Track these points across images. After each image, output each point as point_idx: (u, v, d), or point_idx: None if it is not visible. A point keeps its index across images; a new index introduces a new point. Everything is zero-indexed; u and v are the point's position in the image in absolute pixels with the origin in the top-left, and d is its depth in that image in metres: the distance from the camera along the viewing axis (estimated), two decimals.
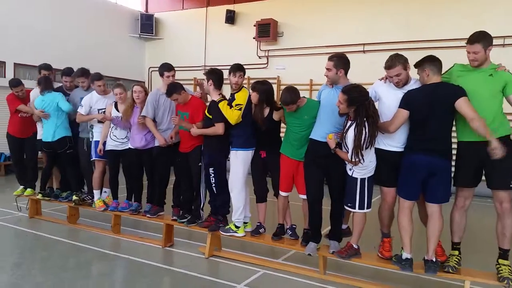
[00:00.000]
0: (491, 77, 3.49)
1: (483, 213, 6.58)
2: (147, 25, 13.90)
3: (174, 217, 4.91)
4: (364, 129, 3.54)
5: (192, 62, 12.97)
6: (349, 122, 3.64)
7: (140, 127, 4.98)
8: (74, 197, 5.70)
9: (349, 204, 3.84)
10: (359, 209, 3.79)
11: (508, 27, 8.87)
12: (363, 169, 3.71)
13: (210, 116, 4.45)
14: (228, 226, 4.51)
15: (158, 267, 4.31)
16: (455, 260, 3.66)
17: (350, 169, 3.77)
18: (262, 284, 3.93)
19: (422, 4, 10.18)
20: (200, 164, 4.67)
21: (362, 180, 3.75)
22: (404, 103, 3.59)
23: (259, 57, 12.28)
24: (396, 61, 3.65)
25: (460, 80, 3.60)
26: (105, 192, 5.60)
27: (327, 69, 3.94)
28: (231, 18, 12.69)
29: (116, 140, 5.25)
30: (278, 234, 4.38)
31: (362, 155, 3.58)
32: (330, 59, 3.96)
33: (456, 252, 3.71)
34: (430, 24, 10.03)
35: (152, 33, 13.97)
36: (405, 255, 3.66)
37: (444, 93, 3.48)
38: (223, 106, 4.32)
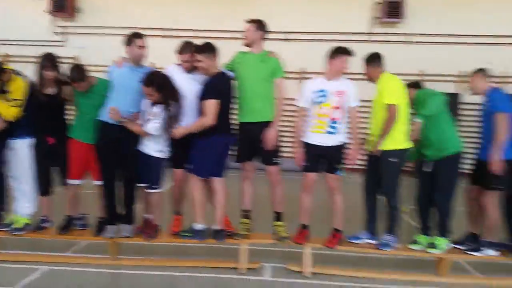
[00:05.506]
0: (262, 63, 3.96)
1: None
2: None
3: None
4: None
5: None
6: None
7: None
8: None
9: (147, 184, 3.93)
10: (156, 188, 3.93)
11: (290, 24, 10.23)
12: (165, 147, 3.90)
13: None
14: (24, 223, 3.99)
15: None
16: (245, 228, 4.07)
17: (158, 151, 3.89)
18: (45, 282, 3.63)
19: None
20: None
21: (163, 160, 3.93)
22: (215, 93, 3.75)
23: (55, 34, 11.04)
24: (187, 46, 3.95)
25: (239, 66, 4.00)
26: None
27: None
28: None
29: None
30: (66, 226, 4.07)
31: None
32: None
33: (246, 220, 4.12)
34: (232, 14, 10.49)
35: None
36: (200, 226, 3.91)
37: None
38: None
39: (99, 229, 4.02)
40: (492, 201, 3.90)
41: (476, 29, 10.22)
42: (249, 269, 3.96)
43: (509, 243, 4.00)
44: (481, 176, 3.94)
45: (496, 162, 3.75)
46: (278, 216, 4.11)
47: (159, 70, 3.99)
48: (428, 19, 10.50)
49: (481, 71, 4.06)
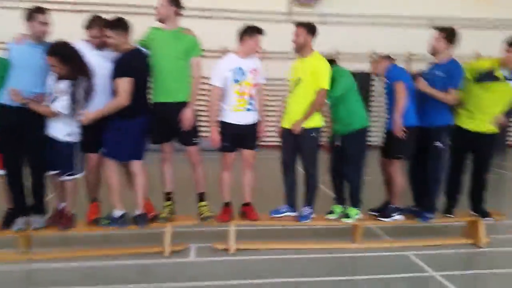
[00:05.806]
0: (176, 40, 3.83)
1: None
2: None
3: None
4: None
5: None
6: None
7: None
8: None
9: (58, 171, 3.64)
10: (70, 175, 3.64)
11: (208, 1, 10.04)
12: (75, 129, 3.61)
13: None
14: None
15: None
16: (167, 211, 4.00)
17: (68, 135, 3.58)
18: None
19: None
20: None
21: (73, 143, 3.63)
22: (128, 70, 3.59)
23: None
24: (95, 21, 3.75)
25: (152, 43, 3.84)
26: None
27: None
28: None
29: None
30: None
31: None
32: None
33: (169, 203, 4.05)
34: None
35: None
36: (119, 212, 3.79)
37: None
38: None
39: (7, 222, 3.71)
40: (397, 170, 4.24)
41: (388, 10, 10.91)
42: (174, 251, 3.92)
43: (413, 208, 4.41)
44: (387, 146, 4.27)
45: (398, 127, 4.05)
46: (201, 196, 4.10)
47: (67, 41, 3.65)
48: (343, 0, 10.95)
49: (386, 57, 4.36)
